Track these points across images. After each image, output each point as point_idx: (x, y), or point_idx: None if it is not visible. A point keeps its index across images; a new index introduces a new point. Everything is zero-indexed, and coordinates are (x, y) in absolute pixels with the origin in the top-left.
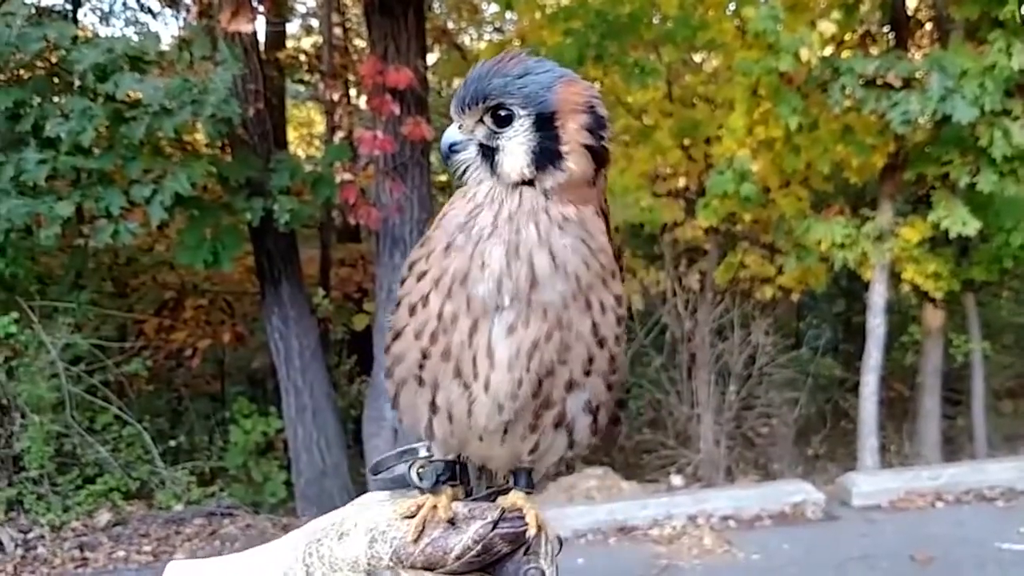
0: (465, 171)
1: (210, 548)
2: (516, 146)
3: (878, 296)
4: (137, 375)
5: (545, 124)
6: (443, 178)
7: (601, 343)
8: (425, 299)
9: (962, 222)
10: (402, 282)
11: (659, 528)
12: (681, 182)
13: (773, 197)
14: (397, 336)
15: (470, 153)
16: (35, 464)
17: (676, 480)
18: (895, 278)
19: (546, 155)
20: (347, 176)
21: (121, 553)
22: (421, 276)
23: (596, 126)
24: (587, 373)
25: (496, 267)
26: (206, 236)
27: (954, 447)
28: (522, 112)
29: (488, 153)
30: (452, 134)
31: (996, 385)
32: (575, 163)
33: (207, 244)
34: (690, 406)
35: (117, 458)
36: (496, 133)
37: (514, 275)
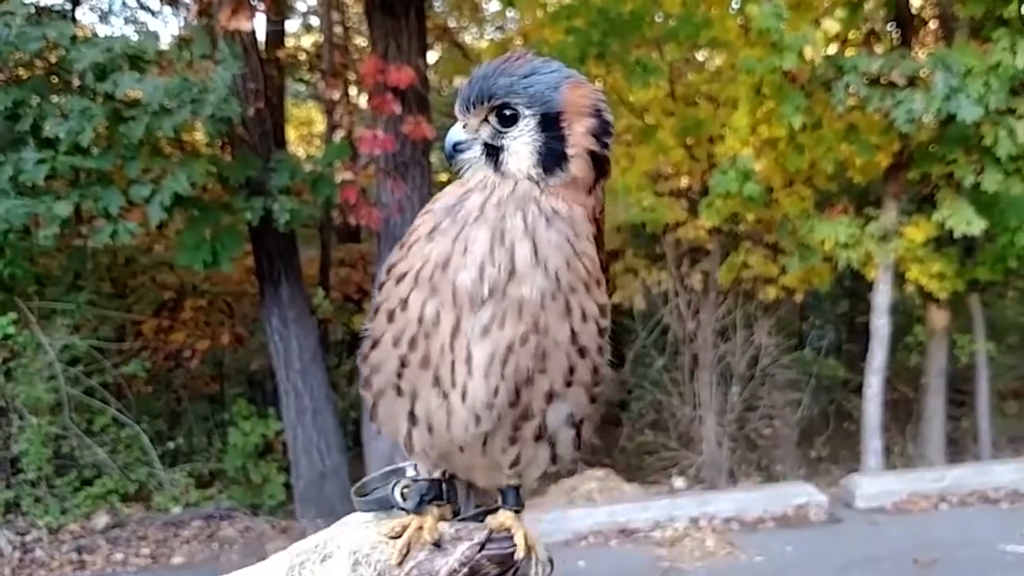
0: (470, 170)
1: (208, 551)
2: (521, 146)
3: (882, 296)
4: (135, 376)
5: (550, 125)
6: (444, 178)
7: (582, 352)
8: (404, 302)
9: (967, 221)
10: (380, 287)
11: (661, 530)
12: (684, 181)
13: (776, 197)
14: (375, 345)
15: (474, 152)
16: (33, 466)
17: (678, 482)
18: (899, 278)
19: (552, 156)
20: (347, 176)
21: (119, 555)
22: (400, 278)
23: (601, 131)
24: (568, 384)
25: (479, 252)
26: (205, 236)
27: (958, 449)
28: (527, 112)
29: (493, 153)
30: (456, 133)
31: (1001, 386)
32: (578, 168)
33: (206, 244)
34: (692, 407)
35: (115, 460)
36: (501, 133)
37: (496, 262)
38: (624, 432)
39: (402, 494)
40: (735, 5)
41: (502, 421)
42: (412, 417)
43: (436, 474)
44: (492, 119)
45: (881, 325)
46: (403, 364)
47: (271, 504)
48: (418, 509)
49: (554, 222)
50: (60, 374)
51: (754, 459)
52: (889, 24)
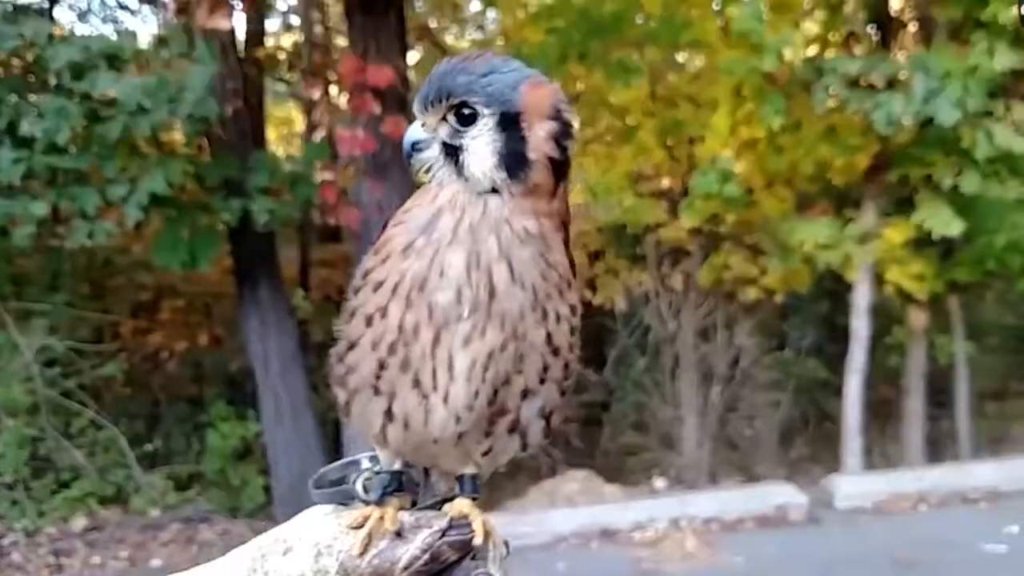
0: (429, 170)
1: (187, 554)
2: (481, 146)
3: (862, 298)
4: (113, 378)
5: (510, 125)
6: (425, 178)
7: (555, 352)
8: (383, 310)
9: (946, 223)
10: (356, 291)
11: (642, 531)
12: (665, 182)
13: (757, 198)
14: (352, 347)
15: (433, 152)
16: (9, 469)
17: (659, 483)
18: (879, 279)
19: (512, 157)
20: (327, 176)
21: (97, 559)
22: (378, 286)
23: (562, 135)
24: (542, 381)
25: (455, 276)
26: (183, 237)
27: (938, 449)
28: (486, 111)
29: (452, 152)
30: (415, 132)
31: (980, 387)
32: (538, 174)
33: (184, 245)
34: (673, 408)
35: (93, 462)
36: (459, 132)
37: (473, 284)
38: (605, 433)
39: (364, 486)
40: (716, 6)
41: (479, 419)
42: (389, 415)
43: (397, 465)
44: (451, 118)
45: (861, 326)
46: (382, 367)
47: (250, 507)
48: (379, 501)
49: (527, 241)
50: (37, 376)
51: (735, 460)
52: (869, 26)
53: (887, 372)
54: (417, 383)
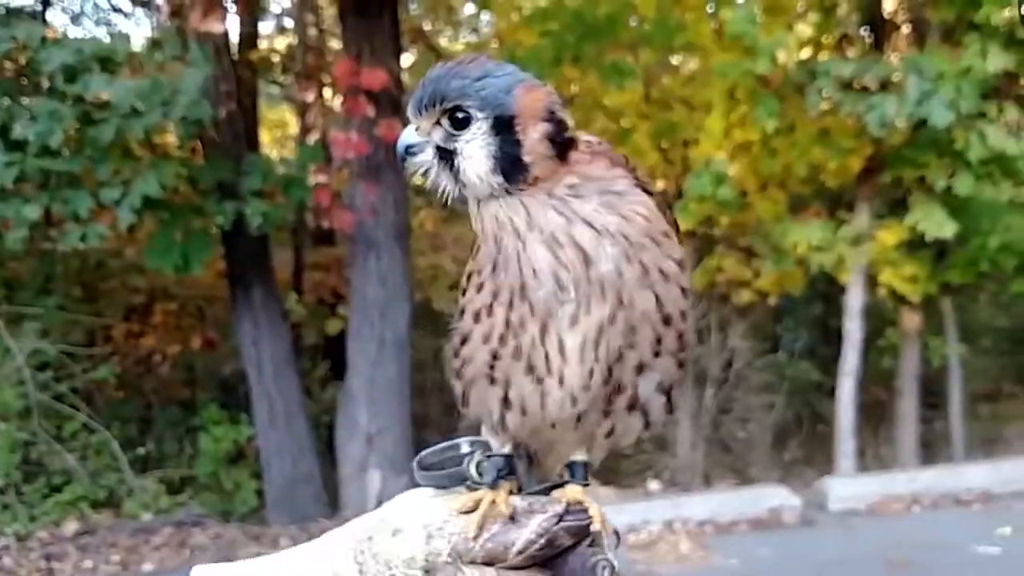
0: (425, 174)
1: (179, 558)
2: (475, 150)
3: (855, 300)
4: (105, 381)
5: (504, 128)
6: (420, 181)
7: (667, 320)
8: (489, 308)
9: (939, 225)
10: (463, 291)
11: (636, 534)
12: (659, 185)
13: (750, 200)
14: (465, 340)
15: (427, 155)
16: (1, 472)
17: (653, 485)
18: (872, 281)
19: (507, 161)
20: (321, 178)
21: (88, 563)
22: (480, 287)
23: (557, 134)
24: (656, 354)
25: (546, 267)
26: (176, 240)
27: (931, 451)
28: (480, 115)
29: (446, 156)
30: (408, 136)
31: (973, 388)
32: (538, 166)
33: (177, 248)
34: None
35: (85, 466)
36: (453, 136)
37: (566, 262)
38: None
39: (478, 469)
40: (709, 9)
41: (596, 399)
42: (506, 402)
43: (507, 449)
44: (444, 122)
45: (854, 328)
46: (495, 357)
47: (243, 510)
48: (492, 484)
49: (583, 195)
50: (29, 379)
51: (728, 462)
52: (862, 29)
53: (880, 374)
54: (531, 369)
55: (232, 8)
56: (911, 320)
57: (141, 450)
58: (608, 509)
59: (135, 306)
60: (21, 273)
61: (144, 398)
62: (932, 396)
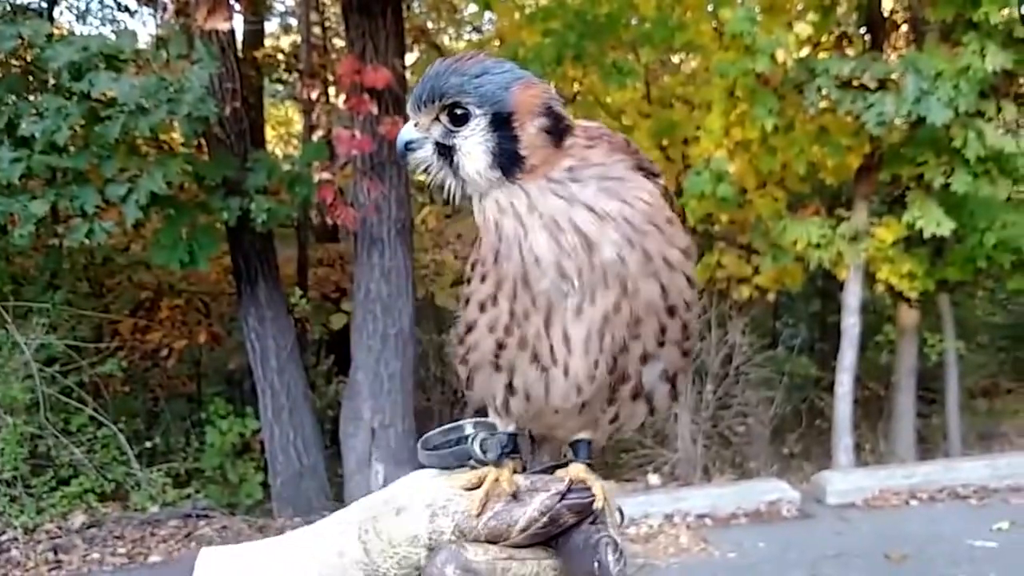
0: (425, 170)
1: (186, 550)
2: (474, 146)
3: (853, 296)
4: (112, 376)
5: (502, 124)
6: (422, 177)
7: (671, 311)
8: (493, 299)
9: (936, 222)
10: (468, 281)
11: (636, 527)
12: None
13: (750, 198)
14: (470, 329)
15: (426, 152)
16: (8, 466)
17: (653, 479)
18: (870, 278)
19: (505, 156)
20: (325, 176)
21: (96, 555)
22: (484, 277)
23: (554, 128)
24: (661, 344)
25: (549, 255)
26: (182, 236)
27: (928, 446)
28: (478, 111)
29: (445, 152)
30: (408, 132)
31: (970, 384)
32: (534, 156)
33: (183, 244)
34: None
35: (92, 460)
36: (452, 132)
37: (568, 248)
38: None
39: (482, 447)
40: (709, 9)
41: (600, 387)
42: (510, 388)
43: (511, 429)
44: (443, 118)
45: (852, 324)
46: (500, 346)
47: (248, 503)
48: (497, 462)
49: (581, 178)
50: (36, 373)
51: (728, 456)
52: (861, 27)
53: (878, 369)
54: (536, 358)
55: (237, 7)
56: (908, 316)
57: (148, 443)
58: None
59: (142, 301)
60: (28, 268)
61: (151, 392)
62: (929, 391)
